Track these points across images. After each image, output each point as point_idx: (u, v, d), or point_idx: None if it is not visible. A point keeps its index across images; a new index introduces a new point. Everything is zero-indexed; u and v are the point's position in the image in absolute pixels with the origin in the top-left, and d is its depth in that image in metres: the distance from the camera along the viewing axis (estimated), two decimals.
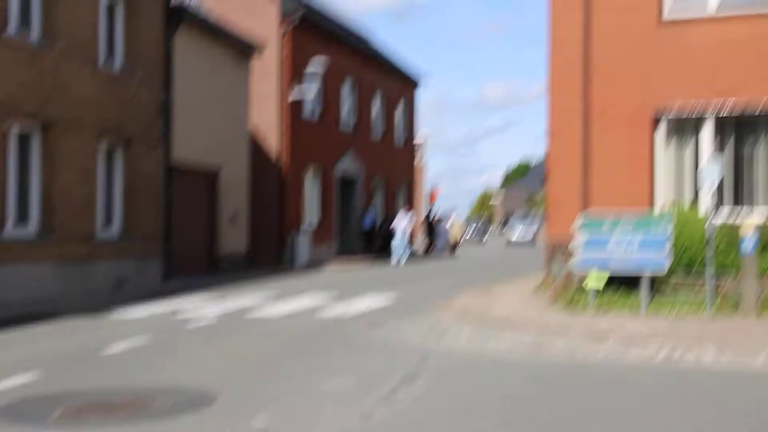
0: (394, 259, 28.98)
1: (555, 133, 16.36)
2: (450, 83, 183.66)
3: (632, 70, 15.71)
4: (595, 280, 12.39)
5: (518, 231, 54.00)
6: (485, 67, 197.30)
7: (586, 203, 15.75)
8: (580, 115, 15.98)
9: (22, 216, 15.30)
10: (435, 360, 9.01)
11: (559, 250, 15.77)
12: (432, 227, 37.15)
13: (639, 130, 15.66)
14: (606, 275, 12.50)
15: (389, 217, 31.13)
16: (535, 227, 53.80)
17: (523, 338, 10.44)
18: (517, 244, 52.57)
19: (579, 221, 12.90)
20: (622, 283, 12.72)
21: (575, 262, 12.75)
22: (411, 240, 30.14)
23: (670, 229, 12.12)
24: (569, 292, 13.16)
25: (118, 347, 10.00)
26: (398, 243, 29.14)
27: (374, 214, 30.02)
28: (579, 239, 12.65)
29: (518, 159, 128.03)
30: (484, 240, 62.28)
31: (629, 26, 15.78)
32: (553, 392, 7.46)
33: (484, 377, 8.21)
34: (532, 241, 51.83)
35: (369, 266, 27.13)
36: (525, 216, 62.02)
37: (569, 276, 14.03)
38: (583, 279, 12.96)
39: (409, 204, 38.17)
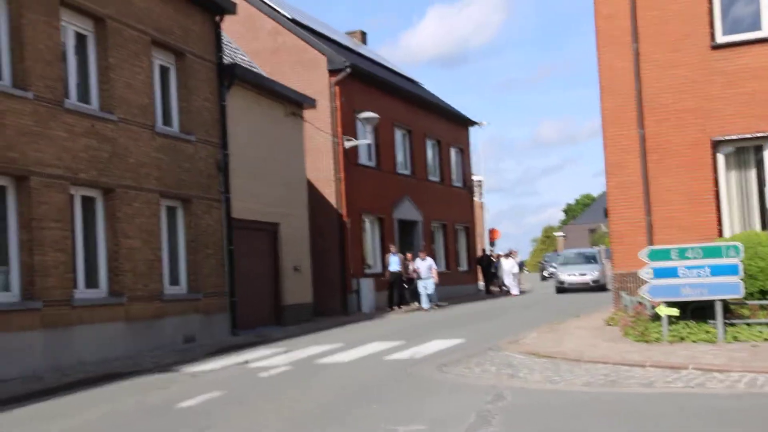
0: (425, 303, 26.89)
1: (612, 168, 16.17)
2: (504, 125, 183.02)
3: (687, 99, 15.47)
4: (667, 308, 12.11)
5: (575, 269, 36.06)
6: (538, 108, 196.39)
7: (650, 235, 15.47)
8: (637, 148, 15.77)
9: (92, 278, 15.59)
10: (509, 399, 8.84)
11: (627, 281, 15.49)
12: (491, 267, 36.67)
13: (698, 159, 15.37)
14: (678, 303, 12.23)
15: (410, 260, 28.37)
16: (599, 265, 36.41)
17: (598, 372, 10.23)
18: (573, 287, 35.05)
19: (646, 250, 12.67)
20: (695, 311, 12.41)
21: (645, 290, 12.49)
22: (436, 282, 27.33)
23: (741, 252, 11.82)
24: (641, 324, 12.86)
25: (192, 401, 10.05)
26: (423, 286, 27.00)
27: (400, 257, 28.22)
28: (647, 268, 12.40)
29: (578, 195, 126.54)
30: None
31: (680, 54, 15.57)
32: (633, 425, 7.24)
33: (561, 414, 8.03)
34: (597, 282, 34.93)
35: (431, 310, 26.84)
36: (583, 252, 40.20)
37: (640, 307, 13.75)
38: (654, 309, 12.68)
39: (472, 245, 37.96)
